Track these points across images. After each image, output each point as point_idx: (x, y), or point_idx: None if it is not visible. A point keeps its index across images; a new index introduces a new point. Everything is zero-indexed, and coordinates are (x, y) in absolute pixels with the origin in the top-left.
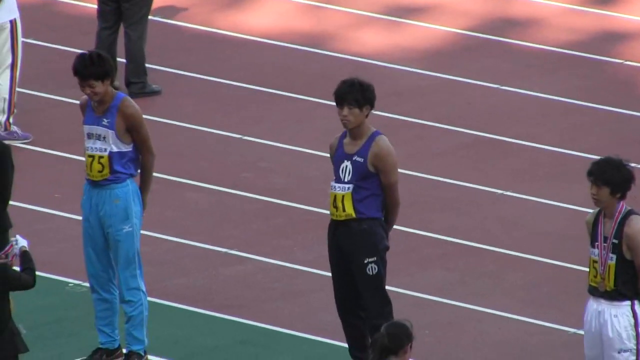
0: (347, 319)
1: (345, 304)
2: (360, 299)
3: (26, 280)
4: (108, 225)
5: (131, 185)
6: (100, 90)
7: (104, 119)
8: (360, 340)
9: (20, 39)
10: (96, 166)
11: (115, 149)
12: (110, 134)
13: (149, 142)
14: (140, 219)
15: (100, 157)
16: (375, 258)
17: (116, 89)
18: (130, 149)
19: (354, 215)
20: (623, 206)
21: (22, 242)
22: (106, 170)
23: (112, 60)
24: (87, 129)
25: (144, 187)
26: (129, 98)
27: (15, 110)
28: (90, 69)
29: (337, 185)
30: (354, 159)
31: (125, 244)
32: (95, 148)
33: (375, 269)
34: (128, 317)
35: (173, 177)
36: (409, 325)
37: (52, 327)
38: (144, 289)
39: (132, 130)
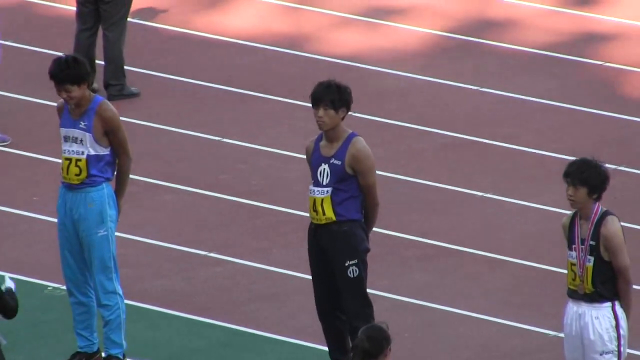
0: (328, 322)
1: (325, 306)
2: (340, 301)
3: (9, 304)
4: (83, 228)
5: (106, 189)
6: (76, 94)
7: (81, 122)
8: (340, 343)
9: None
10: (73, 169)
11: (92, 152)
12: (87, 136)
13: (127, 146)
14: (116, 223)
15: (78, 160)
16: (356, 260)
17: (95, 91)
18: (108, 152)
19: (334, 218)
20: (599, 207)
21: (9, 282)
22: (84, 174)
23: (88, 64)
24: (63, 131)
25: (119, 190)
26: (106, 101)
27: None
28: (66, 73)
29: (315, 189)
30: (331, 161)
31: (100, 248)
32: (72, 151)
33: (356, 271)
34: (106, 321)
35: (151, 180)
36: (385, 327)
37: (30, 330)
38: (120, 292)
39: (110, 134)
